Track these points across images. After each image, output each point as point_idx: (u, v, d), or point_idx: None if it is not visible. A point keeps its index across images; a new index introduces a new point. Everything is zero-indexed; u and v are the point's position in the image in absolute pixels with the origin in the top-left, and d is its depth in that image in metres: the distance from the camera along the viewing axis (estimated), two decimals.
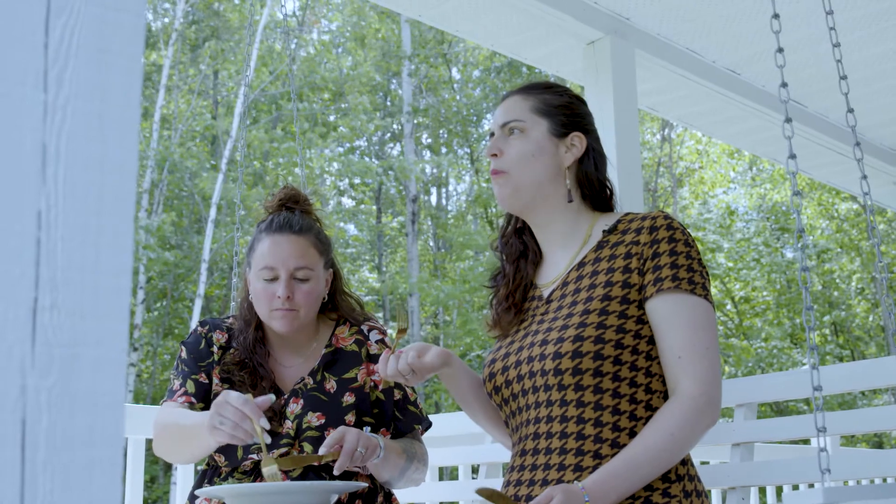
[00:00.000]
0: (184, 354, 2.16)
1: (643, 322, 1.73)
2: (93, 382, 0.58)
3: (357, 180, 17.51)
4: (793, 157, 2.22)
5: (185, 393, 2.10)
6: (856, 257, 17.63)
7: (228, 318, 2.27)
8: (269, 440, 1.81)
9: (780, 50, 2.31)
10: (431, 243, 18.29)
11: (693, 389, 1.66)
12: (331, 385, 2.11)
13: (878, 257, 2.43)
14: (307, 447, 2.03)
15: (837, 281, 17.96)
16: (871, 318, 17.95)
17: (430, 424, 2.24)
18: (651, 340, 1.73)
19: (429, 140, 18.50)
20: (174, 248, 14.99)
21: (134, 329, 14.05)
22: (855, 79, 4.19)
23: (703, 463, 4.04)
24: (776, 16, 2.37)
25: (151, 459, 12.87)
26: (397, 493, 2.24)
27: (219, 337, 2.18)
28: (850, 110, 2.45)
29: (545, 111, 1.89)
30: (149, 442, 2.70)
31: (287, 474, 2.00)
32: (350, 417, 2.08)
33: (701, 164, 18.83)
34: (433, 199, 18.90)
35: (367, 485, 1.95)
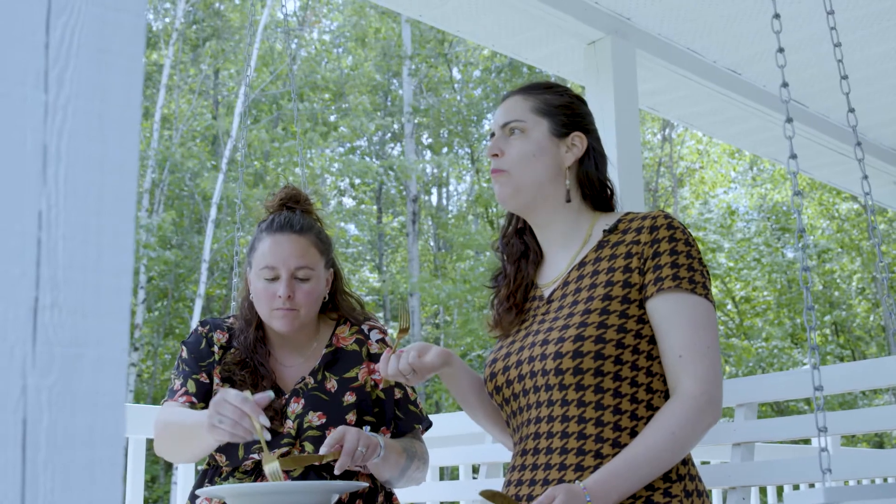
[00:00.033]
0: (184, 354, 2.16)
1: (644, 322, 1.73)
2: (93, 382, 0.58)
3: (357, 180, 17.51)
4: (794, 157, 2.22)
5: (186, 392, 2.10)
6: (856, 257, 17.63)
7: (229, 317, 2.27)
8: (268, 437, 1.81)
9: (781, 50, 2.31)
10: (432, 243, 18.29)
11: (694, 389, 1.66)
12: (332, 384, 2.11)
13: (879, 257, 2.43)
14: (308, 447, 2.03)
15: (838, 281, 17.96)
16: (871, 318, 17.95)
17: (430, 424, 2.24)
18: (652, 340, 1.73)
19: (429, 140, 18.50)
20: (175, 247, 14.99)
21: (135, 329, 14.06)
22: (856, 78, 4.19)
23: (703, 463, 4.04)
24: (777, 16, 2.37)
25: (152, 459, 12.88)
26: (398, 492, 2.24)
27: (219, 337, 2.18)
28: (851, 110, 2.45)
29: (546, 111, 1.90)
30: (149, 442, 2.71)
31: (288, 474, 2.00)
32: (351, 417, 2.08)
33: (702, 164, 18.83)
34: (433, 198, 18.91)
35: (367, 484, 1.95)
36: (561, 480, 1.68)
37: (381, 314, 16.80)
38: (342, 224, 16.71)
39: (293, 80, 3.73)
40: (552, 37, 4.06)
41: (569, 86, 4.11)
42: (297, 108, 3.45)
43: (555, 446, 1.72)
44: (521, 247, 1.98)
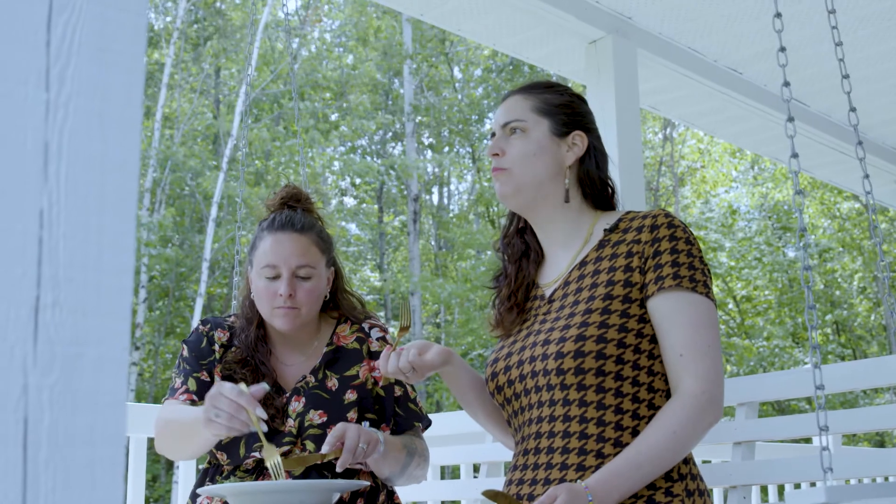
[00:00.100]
0: (185, 353, 2.17)
1: (645, 321, 1.73)
2: (95, 381, 0.58)
3: (358, 180, 17.51)
4: (795, 156, 2.22)
5: (187, 391, 2.10)
6: (858, 256, 17.62)
7: (230, 316, 2.27)
8: (265, 429, 1.81)
9: (783, 49, 2.31)
10: (433, 242, 18.29)
11: (695, 388, 1.66)
12: (332, 383, 2.12)
13: (880, 256, 2.43)
14: (309, 445, 2.04)
15: (839, 280, 17.95)
16: (872, 318, 17.95)
17: (429, 423, 2.24)
18: (653, 339, 1.73)
19: (430, 140, 18.50)
20: (175, 246, 14.99)
21: (136, 328, 14.07)
22: (857, 78, 4.19)
23: (704, 462, 4.04)
24: (778, 15, 2.37)
25: (153, 458, 12.89)
26: (399, 491, 2.24)
27: (220, 335, 2.18)
28: (853, 109, 2.45)
29: (546, 110, 1.89)
30: (151, 441, 2.71)
31: (289, 473, 2.01)
32: (352, 415, 2.08)
33: (703, 164, 18.82)
34: (434, 198, 18.91)
35: (369, 483, 1.95)
36: (562, 480, 1.68)
37: (381, 313, 16.81)
38: (343, 223, 16.71)
39: (294, 79, 3.73)
40: (553, 36, 4.06)
41: (570, 85, 4.10)
42: (297, 106, 3.45)
43: (556, 446, 1.72)
44: (522, 246, 1.98)
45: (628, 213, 1.86)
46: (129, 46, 0.62)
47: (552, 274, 1.91)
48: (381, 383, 2.14)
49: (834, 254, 17.69)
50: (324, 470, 2.04)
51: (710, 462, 4.03)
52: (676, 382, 1.69)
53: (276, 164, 16.37)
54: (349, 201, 18.48)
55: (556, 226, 1.90)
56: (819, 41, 4.09)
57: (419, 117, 17.70)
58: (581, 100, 1.96)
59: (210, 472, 2.12)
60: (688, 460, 1.73)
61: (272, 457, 1.86)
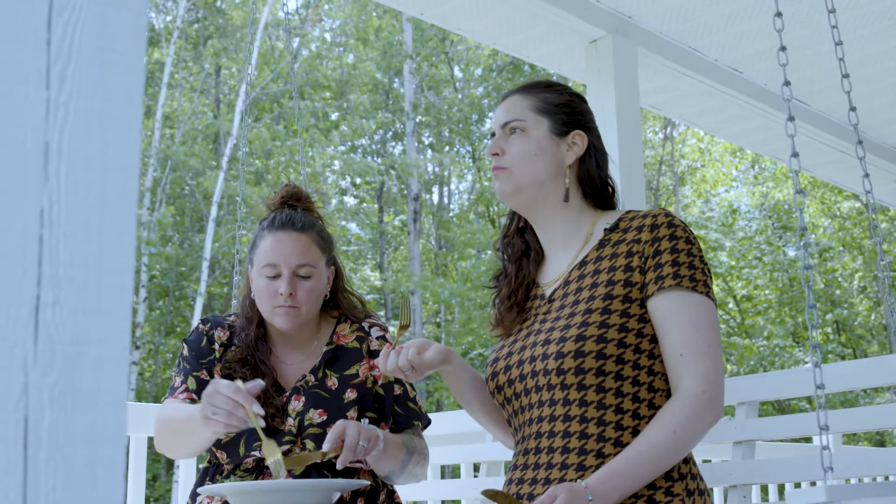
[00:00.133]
0: (185, 352, 2.17)
1: (645, 321, 1.73)
2: (95, 380, 0.58)
3: (359, 179, 17.51)
4: (795, 155, 2.22)
5: (187, 390, 2.10)
6: (858, 256, 17.62)
7: (230, 315, 2.27)
8: (263, 424, 1.81)
9: (783, 48, 2.31)
10: (433, 242, 18.29)
11: (695, 387, 1.66)
12: (332, 382, 2.12)
13: (881, 256, 2.43)
14: (309, 444, 2.04)
15: (839, 279, 17.95)
16: (873, 317, 17.95)
17: (429, 422, 2.24)
18: (653, 339, 1.73)
19: (430, 139, 18.49)
20: (175, 245, 14.99)
21: (136, 327, 14.07)
22: (857, 77, 4.19)
23: (704, 461, 4.04)
24: (779, 14, 2.37)
25: (153, 457, 12.90)
26: (399, 491, 2.24)
27: (220, 334, 2.18)
28: (853, 109, 2.45)
29: (546, 110, 1.89)
30: (151, 440, 2.71)
31: (289, 472, 2.01)
32: (352, 413, 2.08)
33: (703, 163, 18.82)
34: (434, 197, 18.91)
35: (369, 483, 1.95)
36: (562, 480, 1.68)
37: (382, 313, 16.81)
38: (343, 223, 16.71)
39: (294, 78, 3.73)
40: (553, 35, 4.06)
41: (570, 84, 4.10)
42: (298, 106, 3.45)
43: (556, 446, 1.72)
44: (522, 246, 1.98)
45: (628, 212, 1.86)
46: (129, 46, 0.62)
47: (552, 273, 1.91)
48: (380, 381, 2.15)
49: (834, 253, 17.69)
50: (324, 469, 2.04)
51: (710, 461, 4.03)
52: (677, 382, 1.69)
53: (276, 163, 16.37)
54: (349, 201, 18.49)
55: (556, 225, 1.90)
56: (819, 40, 4.09)
57: (419, 117, 17.69)
58: (581, 99, 1.96)
59: (210, 472, 2.12)
60: (688, 460, 1.73)
61: (273, 454, 1.86)
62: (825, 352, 16.23)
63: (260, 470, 2.06)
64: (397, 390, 2.18)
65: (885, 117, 5.04)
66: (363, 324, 2.23)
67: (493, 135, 1.93)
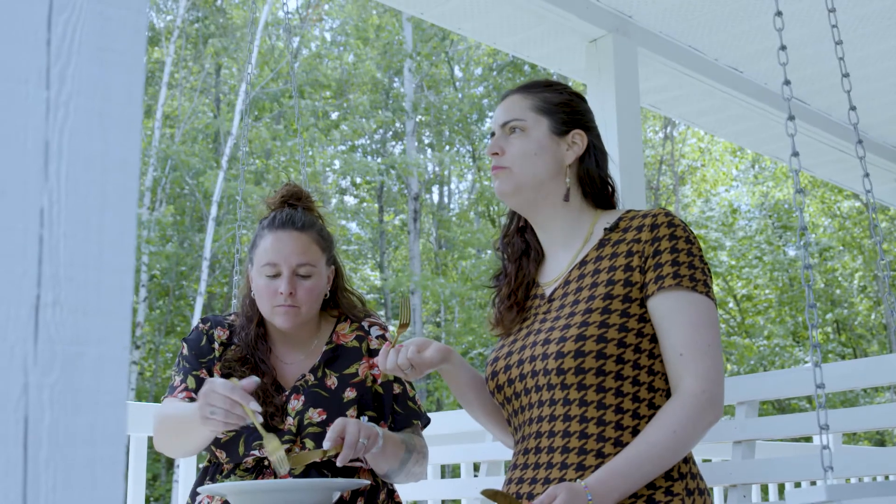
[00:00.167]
0: (185, 351, 2.17)
1: (645, 320, 1.73)
2: (95, 380, 0.58)
3: (359, 178, 17.51)
4: (795, 154, 2.22)
5: (186, 389, 2.10)
6: (858, 255, 17.62)
7: (230, 315, 2.27)
8: (261, 420, 1.82)
9: (783, 47, 2.31)
10: (433, 241, 18.29)
11: (695, 387, 1.66)
12: (332, 381, 2.12)
13: (881, 255, 2.43)
14: (309, 443, 2.04)
15: (840, 279, 17.95)
16: (873, 316, 17.95)
17: (428, 421, 2.24)
18: (653, 339, 1.73)
19: (430, 139, 18.49)
20: (175, 244, 14.99)
21: (136, 327, 14.07)
22: (857, 76, 4.19)
23: (705, 461, 4.04)
24: (779, 13, 2.37)
25: (154, 457, 12.90)
26: (399, 490, 2.25)
27: (220, 333, 2.18)
28: (853, 108, 2.45)
29: (545, 109, 1.89)
30: (151, 440, 2.71)
31: (289, 472, 2.01)
32: (351, 412, 2.08)
33: (703, 162, 18.82)
34: (435, 197, 18.91)
35: (369, 482, 1.95)
36: (562, 479, 1.68)
37: (382, 312, 16.81)
38: (343, 222, 16.71)
39: (294, 77, 3.73)
40: (554, 35, 4.05)
41: (570, 84, 4.09)
42: (298, 105, 3.45)
43: (556, 445, 1.71)
44: (522, 245, 1.98)
45: (628, 211, 1.86)
46: (129, 45, 0.62)
47: (552, 273, 1.91)
48: (379, 380, 2.15)
49: (834, 252, 17.69)
50: (324, 469, 2.04)
51: (710, 461, 4.03)
52: (676, 382, 1.69)
53: (276, 162, 16.37)
54: (349, 200, 18.49)
55: (556, 225, 1.90)
56: (819, 40, 4.09)
57: (419, 116, 17.69)
58: (580, 98, 1.96)
59: (210, 471, 2.12)
60: (687, 459, 1.73)
61: (276, 450, 1.86)
62: (825, 351, 16.24)
63: (260, 469, 2.06)
64: (396, 389, 2.18)
65: (886, 116, 5.04)
66: (363, 323, 2.23)
67: (492, 134, 1.93)
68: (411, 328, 14.58)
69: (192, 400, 2.08)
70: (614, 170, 2.00)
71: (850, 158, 5.16)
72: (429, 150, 18.44)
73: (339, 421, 1.91)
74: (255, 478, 2.05)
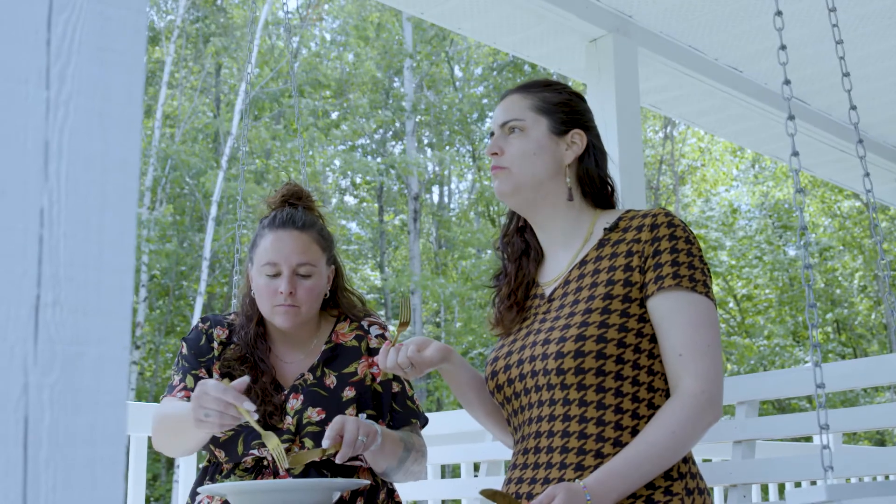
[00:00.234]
0: (184, 350, 2.17)
1: (645, 320, 1.73)
2: (95, 380, 0.58)
3: (359, 178, 17.51)
4: (795, 154, 2.22)
5: (185, 388, 2.10)
6: (858, 255, 17.62)
7: (230, 314, 2.27)
8: (256, 418, 1.82)
9: (783, 47, 2.31)
10: (433, 241, 18.29)
11: (694, 387, 1.66)
12: (331, 380, 2.12)
13: (881, 255, 2.43)
14: (308, 443, 2.04)
15: (840, 279, 17.95)
16: (873, 316, 17.95)
17: (426, 421, 2.24)
18: (653, 339, 1.73)
19: (430, 138, 18.49)
20: (175, 244, 14.99)
21: (136, 327, 14.07)
22: (857, 76, 4.19)
23: (704, 461, 4.04)
24: (779, 13, 2.37)
25: (154, 457, 12.90)
26: (399, 490, 2.24)
27: (219, 333, 2.18)
28: (853, 108, 2.44)
29: (545, 109, 1.89)
30: (151, 440, 2.71)
31: (289, 472, 2.01)
32: (350, 411, 2.08)
33: (703, 162, 18.82)
34: (435, 197, 18.91)
35: (369, 482, 1.95)
36: (561, 479, 1.68)
37: (382, 312, 16.81)
38: (343, 222, 16.71)
39: (293, 77, 3.73)
40: (554, 34, 4.05)
41: (570, 84, 4.09)
42: (297, 105, 3.45)
43: (555, 445, 1.71)
44: (521, 245, 1.98)
45: (628, 211, 1.86)
46: (129, 45, 0.62)
47: (552, 273, 1.91)
48: (378, 378, 2.15)
49: (834, 252, 17.69)
50: (323, 468, 2.04)
51: (710, 461, 4.03)
52: (676, 382, 1.69)
53: (276, 162, 16.37)
54: (349, 200, 18.49)
55: (555, 224, 1.90)
56: (819, 39, 4.08)
57: (419, 116, 17.69)
58: (580, 98, 1.96)
59: (210, 471, 2.12)
60: (687, 459, 1.73)
61: (276, 446, 1.86)
62: (825, 351, 16.23)
63: (259, 469, 2.06)
64: (395, 388, 2.18)
65: (886, 116, 5.04)
66: (362, 322, 2.23)
67: (492, 134, 1.93)
68: (411, 328, 14.58)
69: (190, 399, 2.08)
70: (614, 170, 2.00)
71: (850, 158, 5.16)
72: (429, 150, 18.44)
73: (337, 419, 1.91)
74: (255, 477, 2.05)
